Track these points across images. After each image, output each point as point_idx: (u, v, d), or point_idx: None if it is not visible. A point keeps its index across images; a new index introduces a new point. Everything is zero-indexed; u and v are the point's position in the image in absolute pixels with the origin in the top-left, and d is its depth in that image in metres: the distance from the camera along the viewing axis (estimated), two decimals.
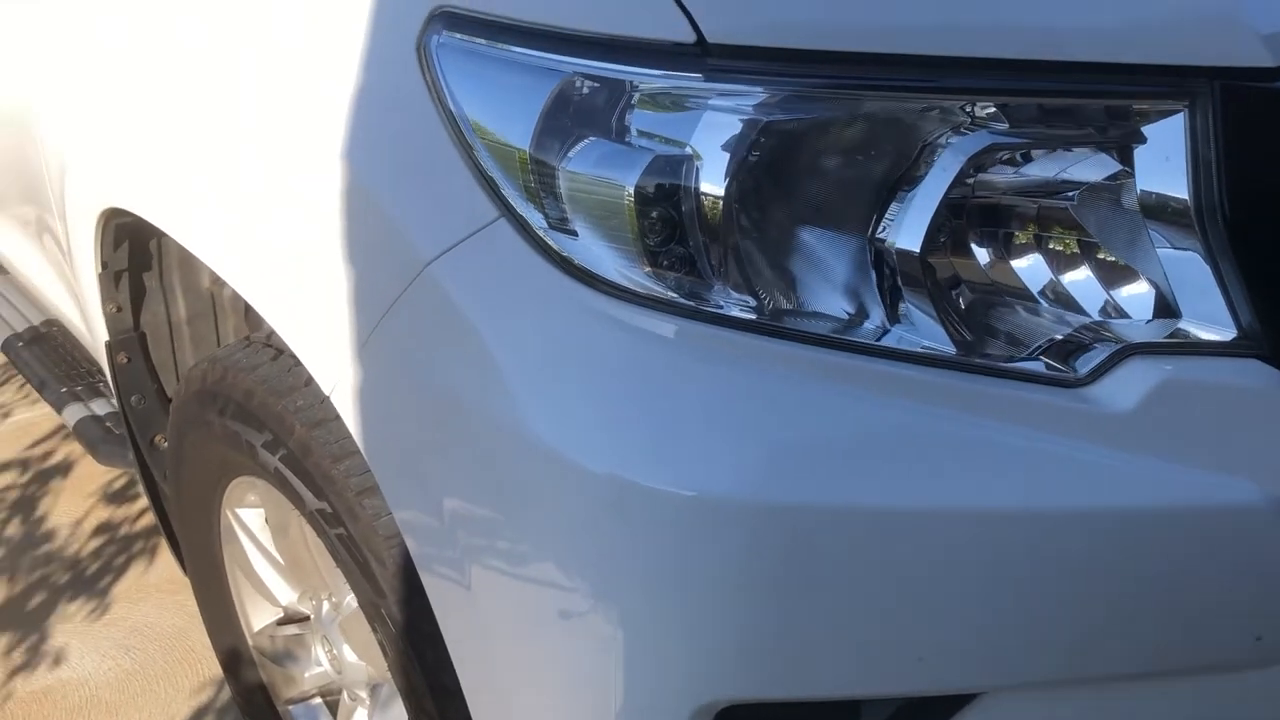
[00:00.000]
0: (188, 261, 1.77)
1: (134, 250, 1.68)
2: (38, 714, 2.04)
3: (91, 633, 2.24)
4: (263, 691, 1.74)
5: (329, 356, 1.13)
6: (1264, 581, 0.91)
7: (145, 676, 2.12)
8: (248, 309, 1.87)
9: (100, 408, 2.16)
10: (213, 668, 2.05)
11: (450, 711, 1.21)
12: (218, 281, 1.82)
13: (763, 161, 0.91)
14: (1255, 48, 0.88)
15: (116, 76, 1.47)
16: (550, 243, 0.95)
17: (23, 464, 2.84)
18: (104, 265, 1.67)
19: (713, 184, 0.91)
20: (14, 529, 2.57)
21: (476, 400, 0.98)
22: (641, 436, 0.91)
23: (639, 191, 0.92)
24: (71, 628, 2.26)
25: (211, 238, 1.32)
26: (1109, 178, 0.92)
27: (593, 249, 0.94)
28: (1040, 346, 0.93)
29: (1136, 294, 0.94)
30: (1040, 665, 0.92)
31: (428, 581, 1.12)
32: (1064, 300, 0.94)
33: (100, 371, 2.23)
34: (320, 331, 1.13)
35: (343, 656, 1.57)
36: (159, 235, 1.70)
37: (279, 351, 1.40)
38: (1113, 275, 0.94)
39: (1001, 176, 0.93)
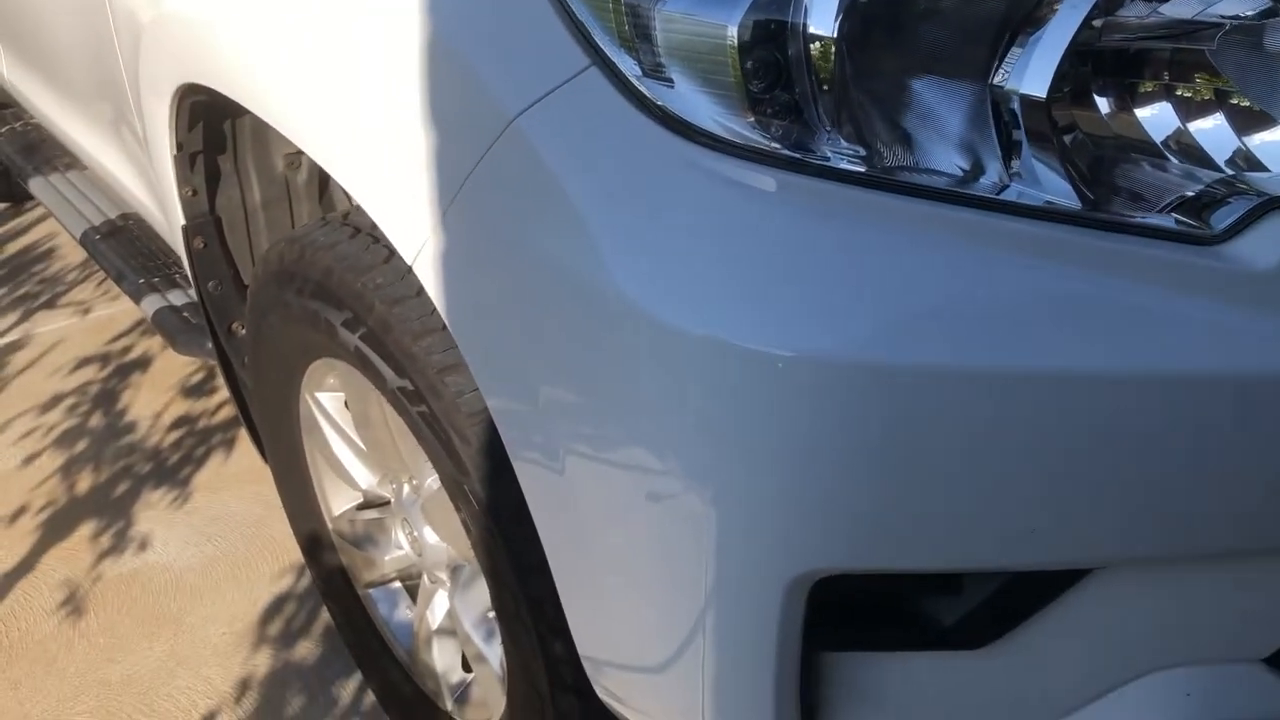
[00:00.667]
0: (262, 143, 1.74)
1: (209, 132, 1.66)
2: (126, 595, 2.09)
3: (174, 520, 2.28)
4: (343, 575, 1.76)
5: (411, 225, 1.09)
6: None
7: (228, 562, 2.16)
8: (322, 193, 1.84)
9: (177, 298, 2.16)
10: (293, 554, 2.08)
11: (535, 587, 1.20)
12: (292, 165, 1.79)
13: (875, 0, 0.85)
14: None
15: None
16: (644, 91, 0.90)
17: (103, 359, 2.88)
18: (179, 147, 1.65)
19: (822, 24, 0.85)
20: (96, 421, 2.62)
21: (567, 263, 0.94)
22: (742, 296, 0.86)
23: (741, 32, 0.86)
24: (155, 514, 2.30)
25: (290, 109, 1.28)
26: (1256, 16, 0.84)
27: (690, 97, 0.89)
28: (1172, 202, 0.86)
29: (1272, 142, 0.86)
30: (1163, 539, 0.87)
31: (518, 466, 1.10)
32: (1192, 153, 0.87)
33: (177, 263, 2.23)
34: (402, 198, 1.09)
35: (423, 539, 1.57)
36: (234, 116, 1.67)
37: (357, 229, 1.37)
38: (1253, 124, 0.86)
39: (1135, 14, 0.85)
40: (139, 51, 1.62)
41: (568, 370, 0.99)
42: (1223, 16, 0.84)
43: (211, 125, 1.66)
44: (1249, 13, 0.84)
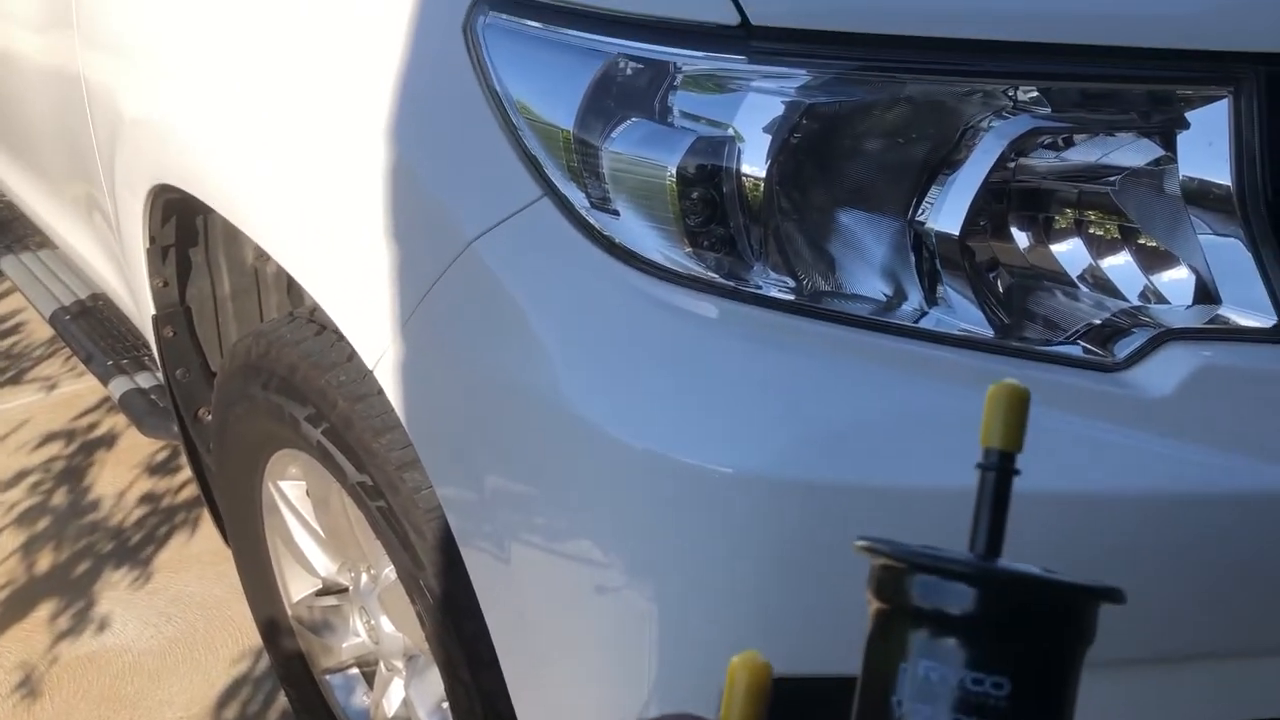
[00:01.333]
0: (233, 237, 1.80)
1: (181, 226, 1.72)
2: (82, 678, 2.09)
3: (135, 601, 2.29)
4: (301, 661, 1.78)
5: (373, 332, 1.15)
6: None
7: (187, 644, 2.17)
8: (290, 285, 1.90)
9: (145, 381, 2.20)
10: (252, 637, 2.09)
11: (486, 681, 1.24)
12: (262, 257, 1.85)
13: (804, 144, 0.92)
14: None
15: (166, 52, 1.50)
16: (592, 222, 0.96)
17: (69, 435, 2.90)
18: (151, 240, 1.71)
19: (754, 166, 0.92)
20: (60, 498, 2.63)
21: (519, 376, 1.00)
22: (680, 413, 0.92)
23: (681, 172, 0.93)
24: (115, 595, 2.31)
25: (259, 214, 1.34)
26: (1151, 163, 0.92)
27: (634, 228, 0.95)
28: (1078, 331, 0.93)
29: (1176, 279, 0.94)
30: None
31: (467, 555, 1.14)
32: (1103, 285, 0.95)
33: (145, 345, 2.27)
34: (365, 307, 1.15)
35: (380, 627, 1.60)
36: (206, 211, 1.73)
37: (322, 327, 1.42)
38: (1153, 260, 0.94)
39: (1043, 161, 0.93)
40: (115, 148, 1.68)
41: (518, 470, 1.05)
42: (1122, 165, 0.92)
43: (184, 220, 1.72)
44: (1143, 163, 0.91)
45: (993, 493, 0.39)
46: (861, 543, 0.40)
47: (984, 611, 0.37)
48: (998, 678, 0.36)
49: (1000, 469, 0.39)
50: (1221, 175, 0.89)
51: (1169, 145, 0.91)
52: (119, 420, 2.90)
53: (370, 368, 1.17)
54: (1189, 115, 0.90)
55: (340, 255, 1.18)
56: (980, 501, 0.39)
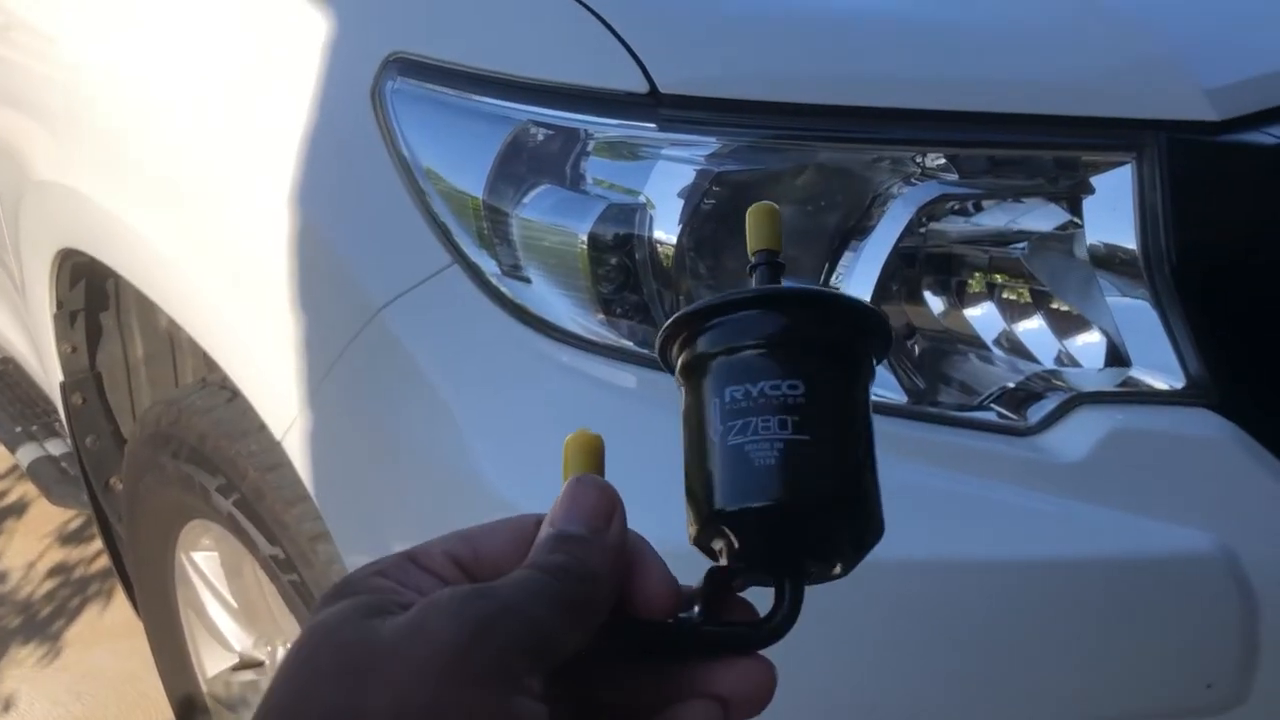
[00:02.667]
0: (145, 301, 1.75)
1: (90, 289, 1.67)
2: None
3: (42, 678, 2.19)
4: None
5: (281, 401, 1.12)
6: (1213, 629, 0.91)
7: None
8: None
9: (55, 448, 2.12)
10: (166, 715, 2.01)
11: None
12: (175, 321, 1.80)
13: (716, 210, 0.92)
14: (1200, 101, 0.90)
15: (74, 114, 1.46)
16: (503, 290, 0.95)
17: None
18: (59, 305, 1.66)
19: (666, 232, 0.91)
20: None
21: (429, 448, 0.97)
22: None
23: (593, 239, 0.92)
24: (21, 673, 2.21)
25: (165, 280, 1.30)
26: (1059, 228, 0.93)
27: (546, 296, 0.94)
28: (992, 394, 0.93)
29: (1087, 342, 0.94)
30: (986, 716, 0.92)
31: None
32: (1016, 348, 0.95)
33: (56, 411, 2.19)
34: (272, 376, 1.12)
35: None
36: (116, 275, 1.68)
37: (234, 394, 1.38)
38: (1064, 324, 0.94)
39: (953, 226, 0.94)
40: (20, 210, 1.63)
41: (426, 537, 1.02)
42: (1030, 230, 0.93)
43: (94, 283, 1.67)
44: (1051, 228, 0.92)
45: (766, 279, 0.45)
46: (659, 339, 0.45)
47: (761, 327, 0.43)
48: (791, 380, 0.42)
49: (769, 263, 0.45)
50: (1127, 239, 0.90)
51: (1076, 210, 0.92)
52: (28, 489, 2.80)
53: (279, 438, 1.13)
54: (1094, 180, 0.91)
55: (247, 322, 1.15)
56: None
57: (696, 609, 0.42)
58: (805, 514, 0.42)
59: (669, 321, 0.45)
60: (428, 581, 0.40)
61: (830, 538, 0.42)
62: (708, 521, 0.42)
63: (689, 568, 0.44)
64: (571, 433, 0.44)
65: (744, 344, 0.43)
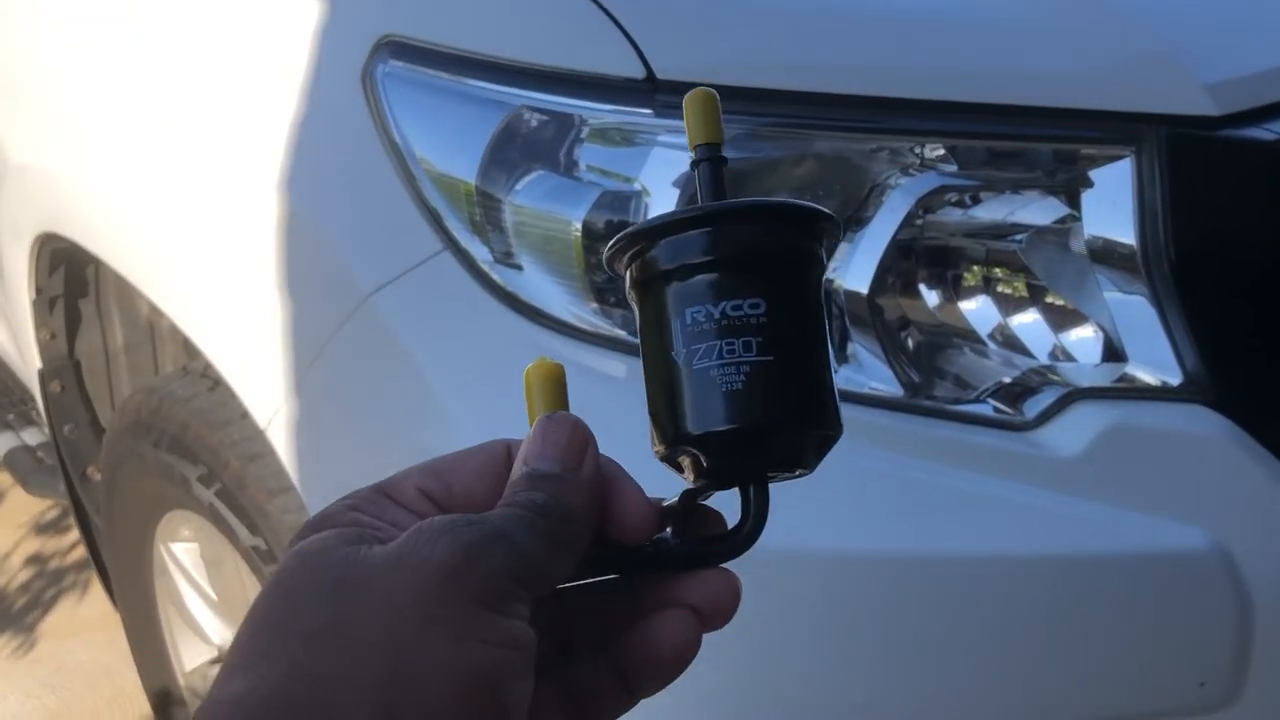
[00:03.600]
0: (125, 288, 1.73)
1: (70, 276, 1.64)
2: None
3: (16, 670, 2.16)
4: None
5: (266, 389, 1.10)
6: (1207, 627, 0.90)
7: (71, 717, 2.05)
8: (187, 337, 1.83)
9: (32, 437, 2.10)
10: (143, 708, 1.99)
11: None
12: (156, 309, 1.78)
13: None
14: (1200, 96, 0.89)
15: (55, 96, 1.44)
16: (495, 277, 0.93)
17: None
18: (38, 291, 1.63)
19: None
20: None
21: (418, 438, 0.96)
22: None
23: (587, 226, 0.90)
24: None
25: (149, 265, 1.28)
26: (1057, 221, 0.92)
27: (538, 284, 0.92)
28: (988, 389, 0.92)
29: (1084, 337, 0.94)
30: (980, 713, 0.91)
31: None
32: (1012, 343, 0.94)
33: (33, 399, 2.17)
34: (257, 363, 1.10)
35: None
36: (96, 261, 1.66)
37: (216, 382, 1.36)
38: (1061, 318, 0.94)
39: (950, 218, 0.93)
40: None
41: None
42: (1028, 223, 0.92)
43: (73, 269, 1.64)
44: (1049, 221, 0.91)
45: (710, 177, 0.44)
46: (607, 251, 0.44)
47: (720, 245, 0.42)
48: (752, 299, 0.41)
49: (711, 158, 0.44)
50: (1125, 234, 0.89)
51: (1074, 204, 0.91)
52: (4, 478, 2.77)
53: (263, 427, 1.11)
54: (1093, 174, 0.90)
55: (233, 309, 1.13)
56: (700, 191, 0.43)
57: (669, 530, 0.43)
58: (773, 433, 0.42)
59: (619, 236, 0.43)
60: (403, 516, 0.41)
61: (795, 449, 0.43)
62: (674, 443, 0.42)
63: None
64: (530, 363, 0.44)
65: (700, 261, 0.42)
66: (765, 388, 0.41)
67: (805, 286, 0.42)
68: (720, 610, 0.42)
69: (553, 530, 0.39)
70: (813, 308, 0.42)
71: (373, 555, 0.37)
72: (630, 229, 0.43)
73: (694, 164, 0.44)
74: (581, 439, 0.42)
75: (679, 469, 0.43)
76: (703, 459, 0.42)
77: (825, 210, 0.43)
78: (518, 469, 0.41)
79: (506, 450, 0.43)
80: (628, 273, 0.44)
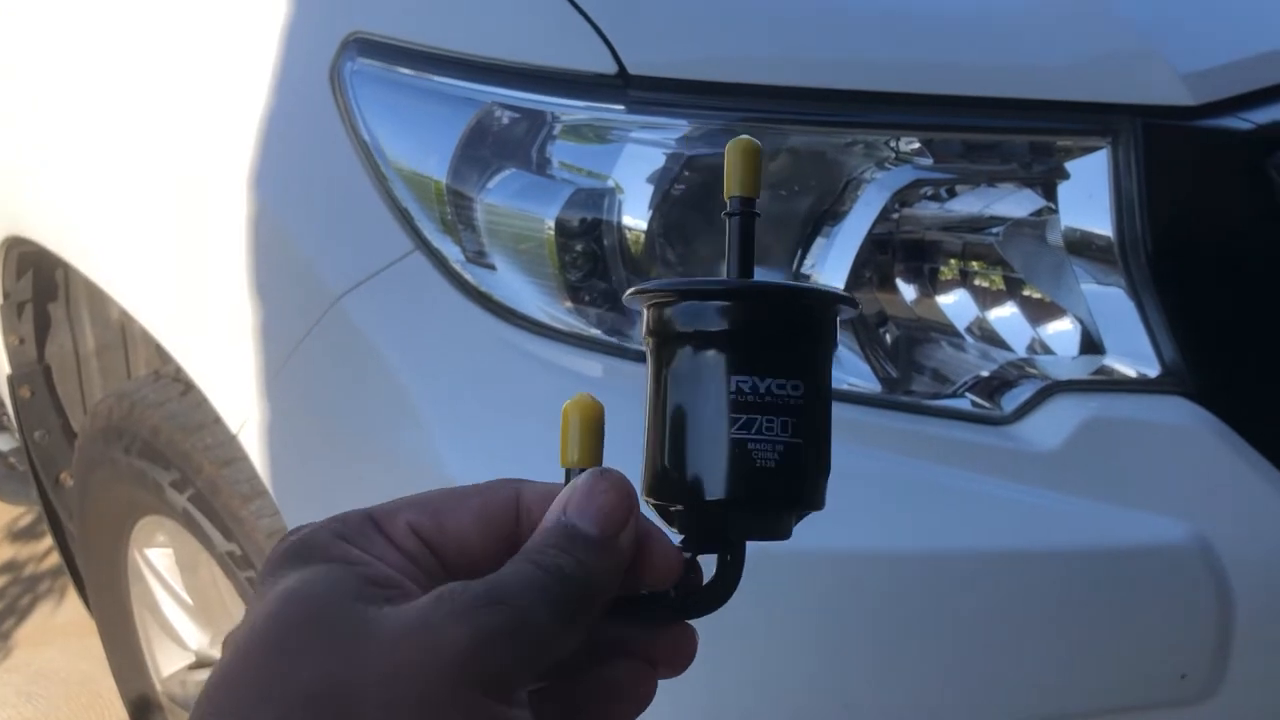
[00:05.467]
0: (96, 291, 1.70)
1: (39, 280, 1.62)
2: None
3: None
4: None
5: (236, 393, 1.08)
6: (1188, 620, 0.90)
7: None
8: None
9: (4, 442, 2.07)
10: (120, 715, 1.97)
11: None
12: (127, 312, 1.76)
13: (687, 195, 0.89)
14: (1176, 86, 0.89)
15: (14, 96, 1.41)
16: (467, 276, 0.92)
17: None
18: (5, 295, 1.61)
19: (635, 217, 0.89)
20: None
21: (391, 441, 0.94)
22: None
23: (560, 224, 0.89)
24: None
25: (116, 268, 1.26)
26: (1033, 213, 0.92)
27: (512, 283, 0.91)
28: (966, 383, 0.91)
29: (1062, 330, 0.93)
30: (963, 709, 0.90)
31: None
32: (990, 336, 0.94)
33: (3, 404, 2.14)
34: (227, 367, 1.08)
35: None
36: (65, 264, 1.63)
37: (188, 386, 1.35)
38: (1038, 311, 0.93)
39: (926, 211, 0.92)
40: None
41: None
42: (1005, 215, 0.92)
43: (42, 273, 1.62)
44: (1025, 213, 0.91)
45: (740, 233, 0.44)
46: (643, 293, 0.44)
47: (780, 322, 0.43)
48: (795, 380, 0.42)
49: (744, 213, 0.44)
50: (1102, 225, 0.89)
51: (1051, 196, 0.90)
52: None
53: (234, 431, 1.10)
54: (1069, 166, 0.90)
55: (202, 312, 1.11)
56: (729, 242, 0.44)
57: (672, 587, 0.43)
58: (787, 511, 0.43)
59: (665, 284, 0.44)
60: (391, 553, 0.39)
61: (791, 524, 0.44)
62: (686, 503, 0.43)
63: None
64: (571, 399, 0.42)
65: (756, 334, 0.42)
66: (791, 468, 0.42)
67: (829, 373, 0.44)
68: (683, 661, 0.42)
69: (575, 606, 0.38)
70: (830, 394, 0.44)
71: (381, 620, 0.35)
72: (678, 282, 0.44)
73: (727, 214, 0.44)
74: (627, 507, 0.40)
75: (669, 520, 0.43)
76: (707, 522, 0.43)
77: (854, 297, 0.45)
78: (553, 516, 0.39)
79: (516, 497, 0.41)
80: (661, 322, 0.43)
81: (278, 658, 0.35)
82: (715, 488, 0.42)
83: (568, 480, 0.41)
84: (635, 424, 0.87)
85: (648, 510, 0.42)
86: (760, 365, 0.42)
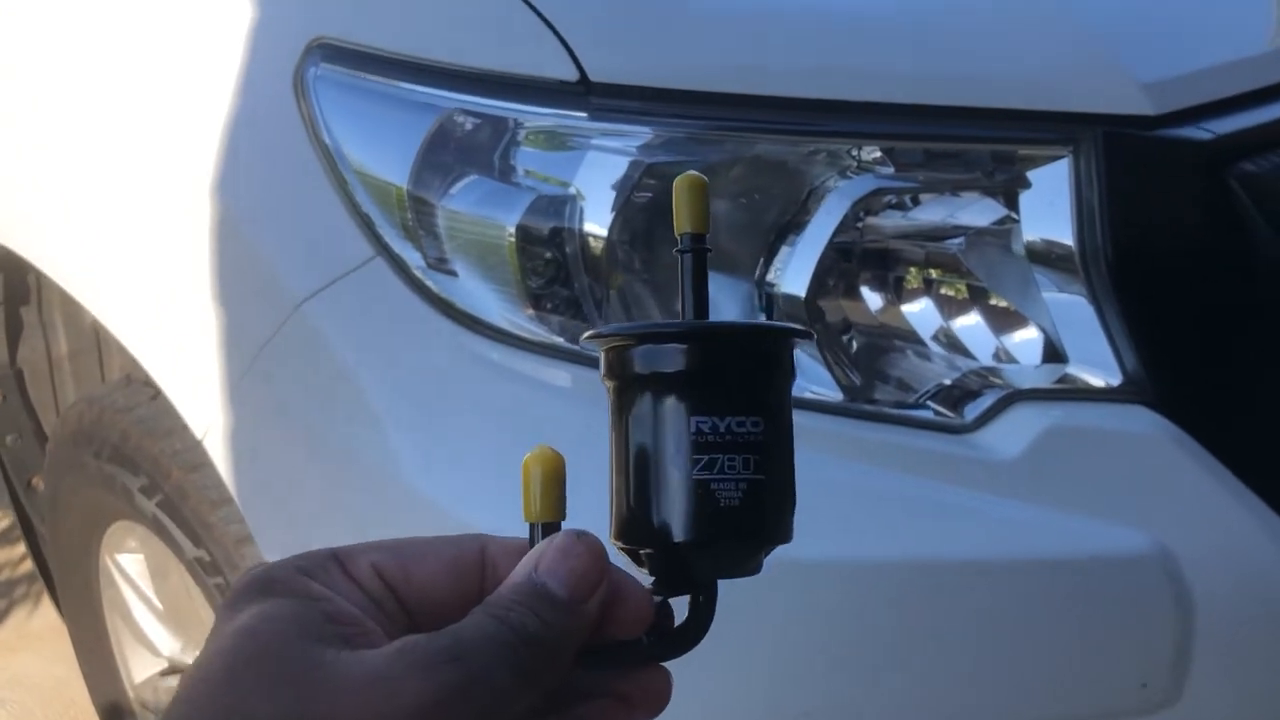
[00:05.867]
0: (69, 296, 1.70)
1: (10, 283, 1.61)
2: None
3: None
4: None
5: (201, 399, 1.08)
6: (1149, 629, 0.90)
7: None
8: None
9: None
10: None
11: None
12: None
13: (649, 203, 0.89)
14: (1136, 96, 0.89)
15: None
16: (429, 283, 0.92)
17: None
18: None
19: (597, 225, 0.88)
20: None
21: (353, 448, 0.94)
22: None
23: (521, 231, 0.89)
24: None
25: (83, 273, 1.26)
26: (996, 222, 0.92)
27: (473, 290, 0.91)
28: (929, 392, 0.91)
29: (1025, 339, 0.93)
30: (922, 718, 0.90)
31: None
32: (954, 345, 0.94)
33: None
34: (191, 373, 1.08)
35: None
36: (36, 268, 1.63)
37: (158, 392, 1.34)
38: (1001, 320, 0.93)
39: (889, 221, 0.92)
40: None
41: (352, 540, 0.99)
42: (967, 225, 0.92)
43: (13, 276, 1.61)
44: (988, 223, 0.91)
45: (693, 270, 0.44)
46: (600, 338, 0.44)
47: (736, 361, 0.43)
48: (755, 417, 0.42)
49: (695, 249, 0.44)
50: (1064, 234, 0.89)
51: (1013, 205, 0.91)
52: None
53: (199, 437, 1.09)
54: (1030, 175, 0.90)
55: (166, 318, 1.11)
56: (682, 279, 0.44)
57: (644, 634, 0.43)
58: (754, 547, 0.44)
59: (619, 329, 0.45)
60: (354, 592, 0.39)
61: (759, 560, 0.44)
62: (653, 545, 0.43)
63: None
64: (531, 451, 0.42)
65: (712, 374, 0.43)
66: (756, 505, 0.42)
67: (790, 406, 0.44)
68: (659, 702, 0.42)
69: (537, 667, 0.38)
70: (791, 428, 0.44)
71: (339, 665, 0.35)
72: (634, 326, 0.46)
73: (679, 251, 0.44)
74: (599, 570, 0.40)
75: (639, 562, 0.43)
76: (676, 564, 0.43)
77: (809, 330, 0.47)
78: (523, 572, 0.39)
79: (481, 552, 0.41)
80: (619, 365, 0.44)
81: (233, 692, 0.35)
82: (681, 530, 0.42)
83: (532, 534, 0.41)
84: (596, 430, 0.87)
85: (617, 556, 0.42)
86: (720, 405, 0.42)
